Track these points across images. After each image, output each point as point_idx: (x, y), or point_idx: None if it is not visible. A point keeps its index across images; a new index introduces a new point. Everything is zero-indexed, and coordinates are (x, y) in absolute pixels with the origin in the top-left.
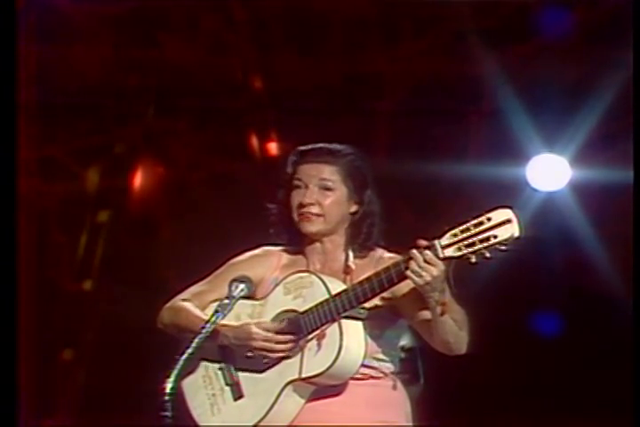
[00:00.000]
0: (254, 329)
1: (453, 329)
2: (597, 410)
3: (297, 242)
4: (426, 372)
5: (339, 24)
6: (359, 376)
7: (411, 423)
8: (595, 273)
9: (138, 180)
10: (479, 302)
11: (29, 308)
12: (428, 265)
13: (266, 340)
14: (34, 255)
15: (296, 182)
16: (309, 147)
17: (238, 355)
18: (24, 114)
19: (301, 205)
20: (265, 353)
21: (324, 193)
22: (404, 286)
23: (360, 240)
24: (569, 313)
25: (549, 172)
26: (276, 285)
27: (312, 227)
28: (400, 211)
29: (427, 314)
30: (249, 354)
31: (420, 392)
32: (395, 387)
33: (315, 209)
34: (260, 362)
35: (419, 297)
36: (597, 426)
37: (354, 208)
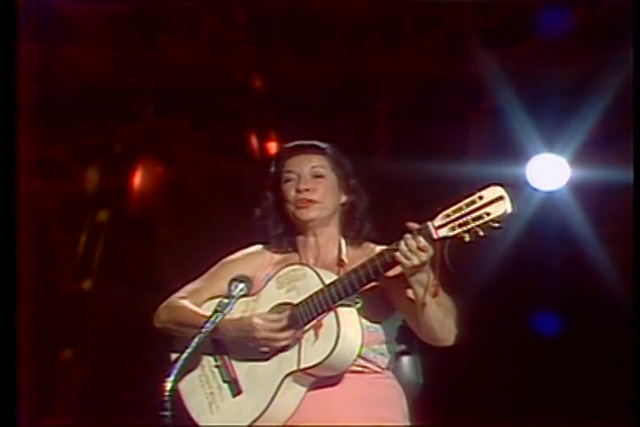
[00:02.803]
0: (256, 320)
1: (438, 315)
2: (597, 410)
3: (290, 233)
4: (424, 370)
5: (339, 24)
6: (357, 369)
7: (408, 422)
8: (594, 273)
9: (138, 179)
10: (479, 302)
11: (29, 308)
12: (418, 250)
13: (269, 330)
14: (34, 255)
15: (288, 175)
16: (293, 143)
17: (234, 348)
18: (24, 114)
19: (298, 191)
20: (269, 343)
21: (317, 180)
22: (394, 271)
23: (353, 231)
24: (568, 313)
25: (549, 171)
26: (269, 279)
27: (310, 213)
28: (399, 210)
29: (414, 297)
30: (250, 345)
31: (418, 391)
32: (392, 384)
33: (311, 195)
34: (258, 353)
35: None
36: (597, 426)
37: (343, 198)
